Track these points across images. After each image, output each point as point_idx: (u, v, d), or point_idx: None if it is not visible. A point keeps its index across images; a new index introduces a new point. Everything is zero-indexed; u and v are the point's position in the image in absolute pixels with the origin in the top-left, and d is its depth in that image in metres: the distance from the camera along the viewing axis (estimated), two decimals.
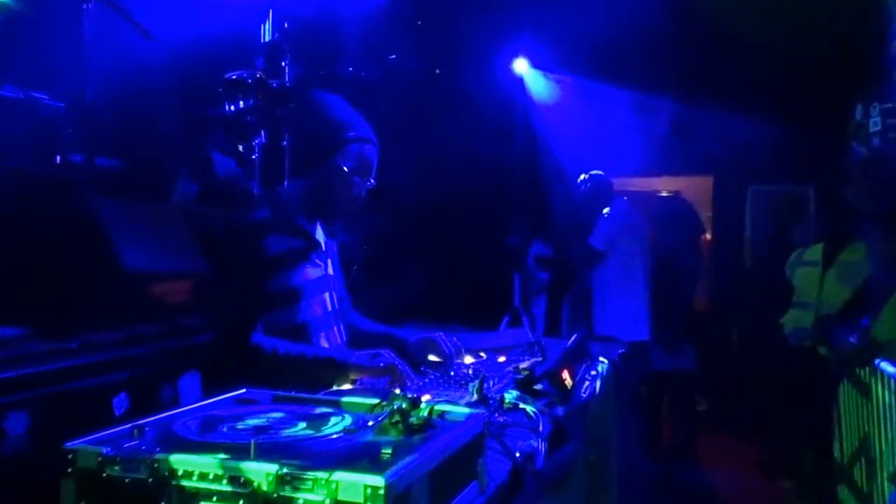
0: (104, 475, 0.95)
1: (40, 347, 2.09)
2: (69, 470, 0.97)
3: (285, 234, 1.90)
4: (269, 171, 3.33)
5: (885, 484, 2.59)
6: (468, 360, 2.06)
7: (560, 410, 1.62)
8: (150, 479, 0.94)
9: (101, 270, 2.43)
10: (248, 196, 3.28)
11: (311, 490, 0.88)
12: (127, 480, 0.95)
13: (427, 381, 1.77)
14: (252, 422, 1.13)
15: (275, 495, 0.89)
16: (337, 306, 2.06)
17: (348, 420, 1.14)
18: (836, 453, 3.17)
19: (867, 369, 2.79)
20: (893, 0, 3.49)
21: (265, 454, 0.96)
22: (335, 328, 2.03)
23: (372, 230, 4.00)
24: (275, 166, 3.28)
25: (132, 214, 2.69)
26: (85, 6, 2.67)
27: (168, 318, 2.58)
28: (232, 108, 3.39)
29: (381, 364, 1.77)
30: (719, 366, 5.76)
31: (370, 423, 1.12)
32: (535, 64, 6.11)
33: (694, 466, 4.84)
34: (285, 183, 2.07)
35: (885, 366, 2.62)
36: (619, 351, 2.57)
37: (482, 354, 2.15)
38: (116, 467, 0.95)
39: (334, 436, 1.08)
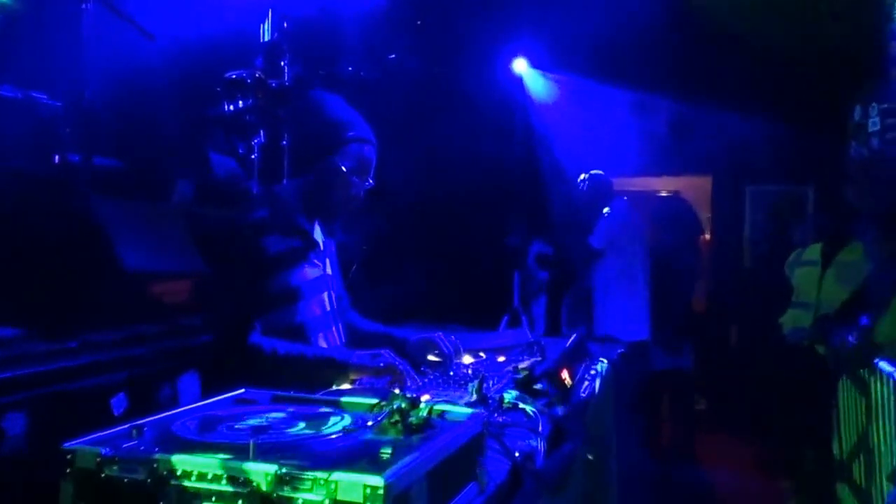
0: (103, 475, 0.95)
1: (39, 347, 2.09)
2: (68, 470, 0.97)
3: (284, 234, 1.90)
4: (269, 171, 3.33)
5: (884, 481, 2.60)
6: (467, 359, 2.06)
7: (559, 410, 1.62)
8: (149, 480, 0.93)
9: (100, 270, 2.43)
10: (247, 196, 3.28)
11: (310, 490, 0.88)
12: (125, 481, 0.94)
13: (426, 380, 1.77)
14: (251, 422, 1.13)
15: (274, 495, 0.89)
16: (335, 306, 2.06)
17: (347, 420, 1.14)
18: (836, 450, 3.18)
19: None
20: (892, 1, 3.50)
21: (264, 454, 0.96)
22: (333, 328, 2.02)
23: (371, 230, 4.00)
24: (274, 166, 3.28)
25: (131, 214, 2.68)
26: (84, 6, 2.67)
27: (167, 319, 2.57)
28: (231, 107, 3.39)
29: (382, 364, 1.77)
30: (718, 365, 5.76)
31: (369, 423, 1.11)
32: (535, 64, 6.11)
33: (693, 466, 4.85)
34: (283, 182, 2.07)
35: (884, 365, 2.62)
36: (619, 350, 2.57)
37: (481, 354, 2.15)
38: (115, 467, 0.95)
39: (333, 436, 1.07)
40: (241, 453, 0.95)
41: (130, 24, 2.85)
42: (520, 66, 6.04)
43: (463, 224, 5.16)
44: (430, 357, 1.98)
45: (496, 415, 1.53)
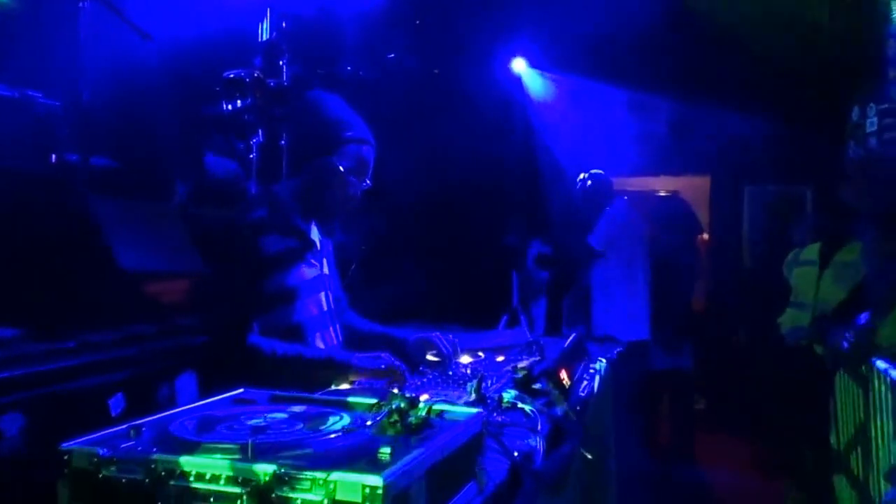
0: (100, 476, 0.95)
1: (36, 348, 2.08)
2: (65, 471, 0.96)
3: (281, 233, 1.90)
4: (267, 171, 3.32)
5: (881, 478, 2.60)
6: (466, 359, 2.06)
7: (558, 410, 1.62)
8: (147, 480, 0.93)
9: (98, 270, 2.42)
10: (245, 195, 3.28)
11: (308, 490, 0.88)
12: (123, 481, 0.94)
13: (425, 380, 1.77)
14: (250, 422, 1.13)
15: (272, 495, 0.88)
16: (333, 306, 2.06)
17: (346, 420, 1.14)
18: (833, 441, 3.19)
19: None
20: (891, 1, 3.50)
21: (263, 454, 0.95)
22: (331, 328, 2.02)
23: (370, 230, 3.99)
24: (272, 165, 3.27)
25: (129, 214, 2.68)
26: (81, 4, 2.66)
27: (165, 319, 2.57)
28: (229, 107, 3.38)
29: (383, 366, 1.77)
30: (718, 365, 5.76)
31: (368, 423, 1.11)
32: (533, 63, 6.11)
33: (692, 465, 4.85)
34: (282, 181, 2.07)
35: (880, 363, 2.63)
36: (618, 350, 2.58)
37: (480, 354, 2.15)
38: (113, 468, 0.95)
39: (332, 435, 1.07)
40: (239, 453, 0.95)
41: (128, 24, 2.84)
42: (519, 65, 6.04)
43: (462, 224, 5.16)
44: (429, 357, 1.98)
45: (495, 414, 1.53)
